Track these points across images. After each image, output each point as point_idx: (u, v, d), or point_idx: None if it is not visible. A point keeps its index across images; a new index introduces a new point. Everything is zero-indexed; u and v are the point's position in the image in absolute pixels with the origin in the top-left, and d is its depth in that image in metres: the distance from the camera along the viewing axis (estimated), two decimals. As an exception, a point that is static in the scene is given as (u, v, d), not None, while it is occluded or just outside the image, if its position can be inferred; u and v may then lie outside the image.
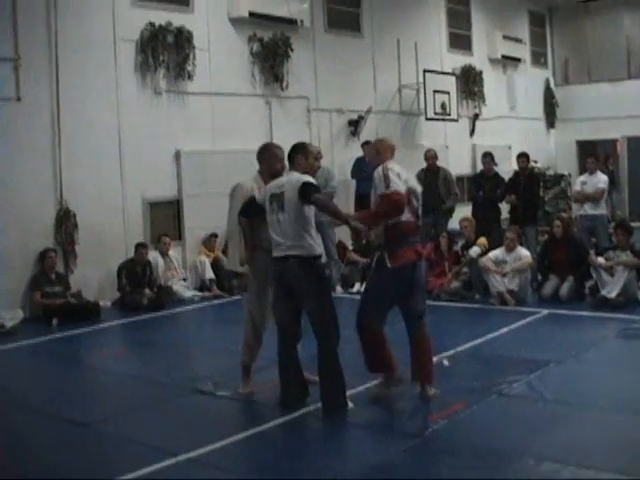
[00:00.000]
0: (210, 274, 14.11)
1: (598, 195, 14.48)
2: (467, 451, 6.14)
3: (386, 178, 7.12)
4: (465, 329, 10.80)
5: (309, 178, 7.18)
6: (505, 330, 10.33)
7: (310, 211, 7.12)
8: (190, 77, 14.57)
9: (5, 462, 6.33)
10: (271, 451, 6.50)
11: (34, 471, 6.18)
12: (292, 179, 7.16)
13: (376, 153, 7.58)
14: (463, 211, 15.13)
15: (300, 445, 6.57)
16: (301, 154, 7.36)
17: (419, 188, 7.48)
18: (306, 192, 6.97)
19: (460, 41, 21.87)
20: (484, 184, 14.67)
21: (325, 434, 6.77)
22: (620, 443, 6.24)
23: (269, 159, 7.76)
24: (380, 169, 7.25)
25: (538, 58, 25.41)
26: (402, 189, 7.14)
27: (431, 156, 15.06)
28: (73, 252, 12.98)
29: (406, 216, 7.20)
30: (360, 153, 16.77)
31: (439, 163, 15.30)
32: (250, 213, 7.44)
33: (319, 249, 7.22)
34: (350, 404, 7.15)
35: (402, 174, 7.26)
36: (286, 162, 7.52)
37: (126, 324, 12.18)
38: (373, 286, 7.51)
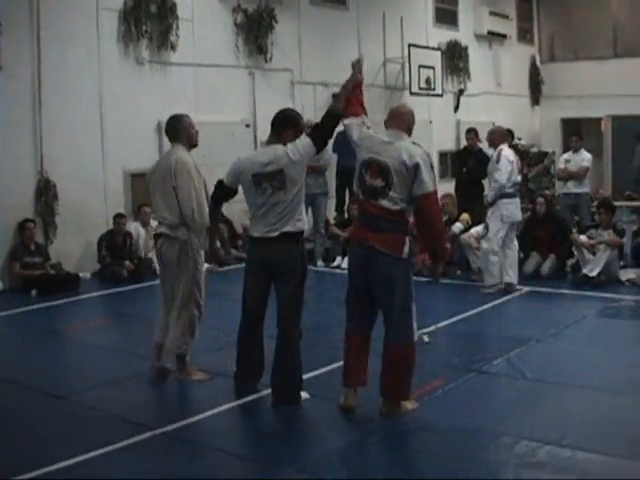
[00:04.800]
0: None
1: (582, 173, 14.50)
2: (445, 429, 6.15)
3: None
4: (446, 305, 10.74)
5: (306, 142, 6.65)
6: (486, 307, 10.40)
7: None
8: (173, 48, 14.42)
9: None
10: (258, 422, 6.61)
11: (6, 441, 6.14)
12: (284, 154, 6.58)
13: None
14: (446, 187, 15.07)
15: (276, 424, 6.63)
16: (292, 129, 6.74)
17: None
18: (319, 137, 6.70)
19: (446, 16, 21.63)
20: (467, 160, 14.58)
21: (295, 414, 6.67)
22: (599, 422, 6.27)
23: (186, 128, 7.49)
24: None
25: (524, 34, 25.24)
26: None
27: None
28: (53, 223, 12.86)
29: None
30: (341, 127, 16.64)
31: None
32: (221, 199, 7.12)
33: (306, 223, 6.90)
34: (304, 394, 6.84)
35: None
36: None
37: (105, 296, 12.14)
38: (408, 289, 6.42)
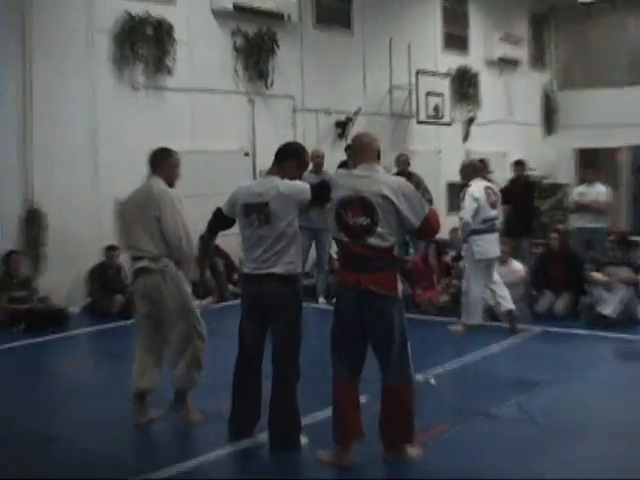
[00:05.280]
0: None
1: (604, 207, 14.13)
2: (450, 474, 6.00)
3: None
4: (453, 346, 10.51)
5: (304, 185, 6.46)
6: (495, 347, 10.17)
7: (296, 223, 6.47)
8: (170, 72, 14.18)
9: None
10: (255, 467, 6.42)
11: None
12: (275, 187, 6.38)
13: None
14: (455, 221, 14.61)
15: (273, 470, 6.36)
16: (294, 159, 6.57)
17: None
18: (319, 193, 6.40)
19: (456, 41, 21.62)
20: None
21: (294, 460, 6.43)
22: (612, 470, 6.07)
23: (173, 166, 7.39)
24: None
25: (537, 61, 25.24)
26: None
27: (403, 161, 14.69)
28: (42, 255, 12.57)
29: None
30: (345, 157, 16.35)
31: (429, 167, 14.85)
32: (217, 227, 6.96)
33: (300, 267, 6.59)
34: (304, 440, 6.55)
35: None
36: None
37: (95, 332, 11.92)
38: (403, 326, 6.14)
